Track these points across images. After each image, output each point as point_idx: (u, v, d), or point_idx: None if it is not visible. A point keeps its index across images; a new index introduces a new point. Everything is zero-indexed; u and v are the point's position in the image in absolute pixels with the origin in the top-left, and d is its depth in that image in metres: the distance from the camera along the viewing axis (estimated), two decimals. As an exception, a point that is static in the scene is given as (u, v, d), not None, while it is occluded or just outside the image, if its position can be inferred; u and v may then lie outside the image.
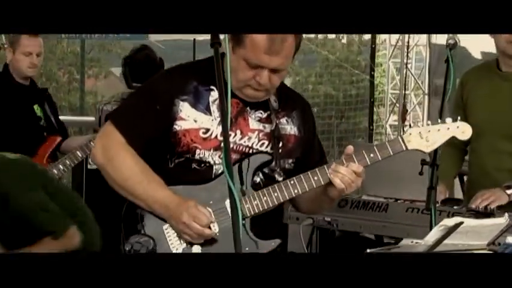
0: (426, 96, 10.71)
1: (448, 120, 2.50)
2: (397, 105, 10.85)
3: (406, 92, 10.75)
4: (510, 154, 3.46)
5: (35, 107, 4.34)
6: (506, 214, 2.20)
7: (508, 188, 3.30)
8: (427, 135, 2.46)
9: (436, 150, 2.78)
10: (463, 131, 2.49)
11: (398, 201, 3.42)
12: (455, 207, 3.32)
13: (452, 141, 2.53)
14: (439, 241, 2.05)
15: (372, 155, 2.48)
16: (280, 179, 2.57)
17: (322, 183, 2.47)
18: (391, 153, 2.48)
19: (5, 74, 4.32)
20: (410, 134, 2.47)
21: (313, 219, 3.54)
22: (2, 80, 4.30)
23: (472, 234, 2.09)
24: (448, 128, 2.48)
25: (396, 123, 10.95)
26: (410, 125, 2.59)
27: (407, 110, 10.40)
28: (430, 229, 2.70)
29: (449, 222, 2.04)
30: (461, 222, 2.02)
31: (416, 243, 2.10)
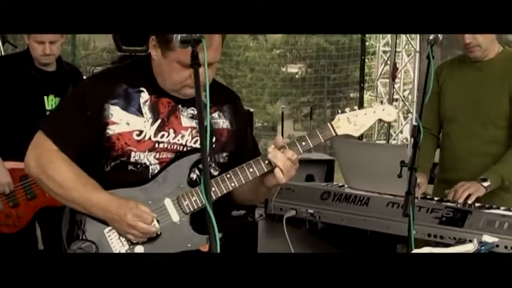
0: (417, 54, 10.70)
1: (375, 104, 2.56)
2: (388, 62, 10.84)
3: (397, 50, 10.73)
4: (481, 138, 3.55)
5: (49, 97, 4.16)
6: (475, 240, 2.23)
7: (484, 180, 3.36)
8: (355, 120, 2.54)
9: (414, 154, 2.82)
10: (388, 113, 2.58)
11: (380, 196, 3.44)
12: (435, 199, 3.36)
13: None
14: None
15: (303, 143, 2.54)
16: (216, 173, 2.62)
17: (258, 174, 2.51)
18: (322, 140, 2.54)
19: (24, 57, 4.15)
20: (338, 119, 2.55)
21: (296, 211, 3.58)
22: (19, 63, 4.14)
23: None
24: (374, 112, 2.57)
25: (387, 80, 10.97)
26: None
27: (397, 68, 10.39)
28: (409, 232, 2.78)
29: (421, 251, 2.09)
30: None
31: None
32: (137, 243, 2.53)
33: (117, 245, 2.53)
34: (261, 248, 4.40)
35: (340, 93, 16.08)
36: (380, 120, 2.64)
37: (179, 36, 2.23)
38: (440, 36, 2.92)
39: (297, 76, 19.81)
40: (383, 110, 2.59)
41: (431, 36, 2.92)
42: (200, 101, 2.13)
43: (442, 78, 3.72)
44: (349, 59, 15.03)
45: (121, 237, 2.53)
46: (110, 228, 2.53)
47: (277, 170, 2.48)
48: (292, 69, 19.87)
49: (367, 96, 12.30)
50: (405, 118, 11.02)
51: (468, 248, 2.14)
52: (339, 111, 2.63)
